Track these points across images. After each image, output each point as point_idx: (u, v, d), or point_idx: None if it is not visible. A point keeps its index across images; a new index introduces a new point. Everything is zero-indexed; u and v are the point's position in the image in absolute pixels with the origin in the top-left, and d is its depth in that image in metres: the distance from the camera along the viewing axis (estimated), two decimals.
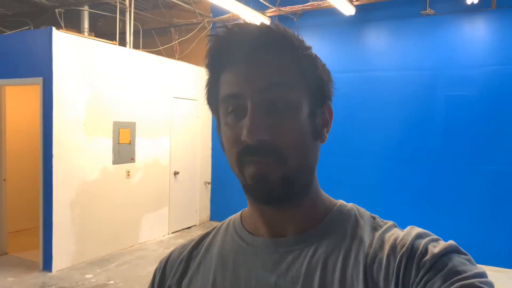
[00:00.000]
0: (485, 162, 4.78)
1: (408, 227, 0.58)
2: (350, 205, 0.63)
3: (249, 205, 0.63)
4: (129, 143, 5.26)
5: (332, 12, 5.23)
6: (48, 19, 5.78)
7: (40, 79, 4.46)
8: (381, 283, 0.52)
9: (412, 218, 4.96)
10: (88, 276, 4.39)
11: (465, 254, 0.52)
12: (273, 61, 0.56)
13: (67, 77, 4.52)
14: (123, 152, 5.19)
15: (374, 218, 0.62)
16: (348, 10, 4.90)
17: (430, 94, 5.04)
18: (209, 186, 6.73)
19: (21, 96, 5.64)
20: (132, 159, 5.35)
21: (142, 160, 5.48)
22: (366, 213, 0.62)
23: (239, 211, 0.69)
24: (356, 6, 5.00)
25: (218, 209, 6.61)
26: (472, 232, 4.71)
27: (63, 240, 4.53)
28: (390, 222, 0.61)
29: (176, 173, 6.07)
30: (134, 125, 5.33)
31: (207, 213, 6.77)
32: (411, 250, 0.52)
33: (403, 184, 5.17)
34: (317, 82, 0.58)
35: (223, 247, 0.65)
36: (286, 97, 0.55)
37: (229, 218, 0.70)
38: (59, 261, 4.48)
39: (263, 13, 5.26)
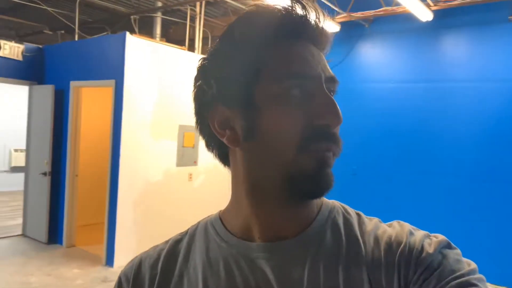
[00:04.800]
0: None
1: (395, 222, 0.58)
2: (331, 201, 0.62)
3: (249, 204, 0.57)
4: (193, 147, 5.34)
5: (406, 17, 4.93)
6: (124, 26, 6.07)
7: (112, 82, 4.67)
8: (383, 282, 0.52)
9: (488, 247, 4.49)
10: None
11: (456, 249, 0.53)
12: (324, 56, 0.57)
13: (137, 80, 4.69)
14: (187, 155, 5.27)
15: (359, 215, 0.61)
16: (425, 16, 4.58)
17: None
18: None
19: (97, 97, 5.95)
20: (195, 162, 5.41)
21: (204, 163, 5.53)
22: (350, 209, 0.62)
23: None
24: (434, 11, 4.67)
25: None
26: None
27: (125, 238, 4.67)
28: (375, 219, 0.60)
29: None
30: None
31: None
32: (408, 248, 0.52)
33: (476, 206, 4.70)
34: None
35: (208, 255, 0.59)
36: (335, 92, 0.56)
37: (203, 221, 0.65)
38: (120, 258, 4.62)
39: (333, 19, 5.10)
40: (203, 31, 6.05)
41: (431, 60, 5.05)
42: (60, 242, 5.31)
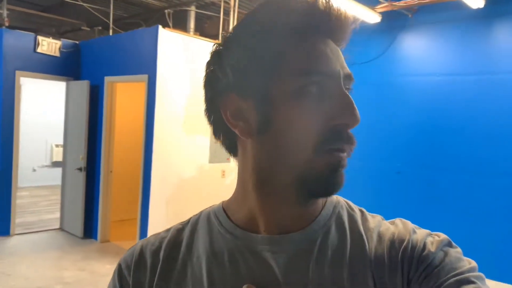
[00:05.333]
0: None
1: (397, 220, 0.59)
2: (335, 196, 0.61)
3: (256, 197, 0.56)
4: None
5: (455, 5, 4.57)
6: (158, 21, 6.02)
7: (145, 76, 4.61)
8: (386, 278, 0.52)
9: None
10: None
11: (457, 247, 0.54)
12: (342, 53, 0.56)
13: (170, 74, 4.61)
14: (220, 151, 5.13)
15: (362, 211, 0.61)
16: (476, 2, 4.22)
17: None
18: None
19: (131, 92, 5.94)
20: (228, 159, 5.27)
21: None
22: (354, 205, 0.62)
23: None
24: None
25: None
26: None
27: None
28: (378, 216, 0.61)
29: None
30: None
31: None
32: (411, 246, 0.53)
33: None
34: None
35: (212, 246, 0.58)
36: (351, 89, 0.55)
37: (205, 211, 0.64)
38: None
39: (373, 9, 4.80)
40: None
41: (481, 50, 4.66)
42: (95, 237, 5.35)
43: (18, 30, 5.44)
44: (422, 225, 0.59)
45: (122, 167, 5.76)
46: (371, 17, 4.76)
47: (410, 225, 0.57)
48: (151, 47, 4.52)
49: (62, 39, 5.78)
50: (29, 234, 5.49)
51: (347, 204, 0.61)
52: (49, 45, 5.51)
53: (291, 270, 0.54)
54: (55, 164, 9.23)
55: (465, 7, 4.41)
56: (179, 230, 0.63)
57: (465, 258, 0.53)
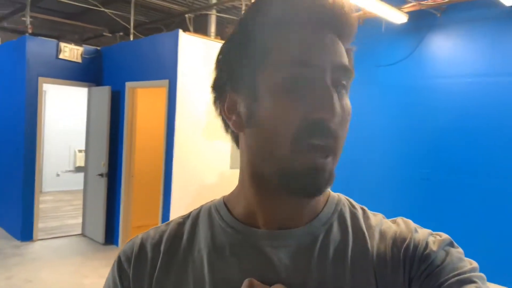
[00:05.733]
0: None
1: (399, 219, 0.59)
2: (337, 193, 0.61)
3: (253, 191, 0.56)
4: None
5: (486, 2, 4.36)
6: (179, 25, 5.99)
7: (166, 82, 4.56)
8: (388, 276, 0.52)
9: None
10: None
11: (458, 248, 0.54)
12: (340, 43, 0.53)
13: (190, 79, 4.54)
14: None
15: (363, 209, 0.61)
16: None
17: None
18: None
19: (153, 97, 5.92)
20: None
21: None
22: (355, 203, 0.62)
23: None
24: None
25: None
26: None
27: None
28: (380, 214, 0.61)
29: None
30: None
31: None
32: (413, 245, 0.53)
33: None
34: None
35: (214, 240, 0.58)
36: (348, 84, 0.53)
37: (206, 205, 0.64)
38: None
39: (400, 9, 4.63)
40: None
41: None
42: (116, 243, 5.31)
43: (40, 37, 5.48)
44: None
45: (143, 173, 5.72)
46: (398, 17, 4.59)
47: (412, 224, 0.57)
48: (172, 51, 4.47)
49: (84, 45, 5.80)
50: (51, 239, 5.50)
51: (349, 202, 0.61)
52: (71, 51, 5.54)
53: (292, 266, 0.53)
54: (78, 169, 9.31)
55: (498, 5, 4.19)
56: (179, 224, 0.62)
57: (466, 258, 0.53)
